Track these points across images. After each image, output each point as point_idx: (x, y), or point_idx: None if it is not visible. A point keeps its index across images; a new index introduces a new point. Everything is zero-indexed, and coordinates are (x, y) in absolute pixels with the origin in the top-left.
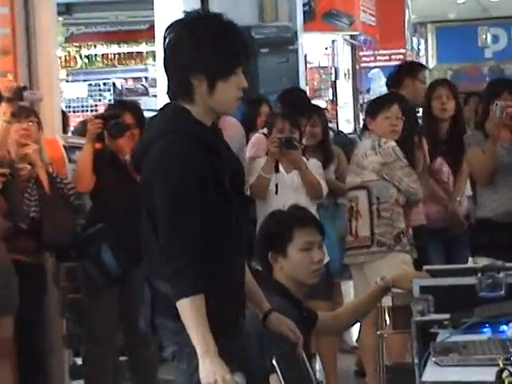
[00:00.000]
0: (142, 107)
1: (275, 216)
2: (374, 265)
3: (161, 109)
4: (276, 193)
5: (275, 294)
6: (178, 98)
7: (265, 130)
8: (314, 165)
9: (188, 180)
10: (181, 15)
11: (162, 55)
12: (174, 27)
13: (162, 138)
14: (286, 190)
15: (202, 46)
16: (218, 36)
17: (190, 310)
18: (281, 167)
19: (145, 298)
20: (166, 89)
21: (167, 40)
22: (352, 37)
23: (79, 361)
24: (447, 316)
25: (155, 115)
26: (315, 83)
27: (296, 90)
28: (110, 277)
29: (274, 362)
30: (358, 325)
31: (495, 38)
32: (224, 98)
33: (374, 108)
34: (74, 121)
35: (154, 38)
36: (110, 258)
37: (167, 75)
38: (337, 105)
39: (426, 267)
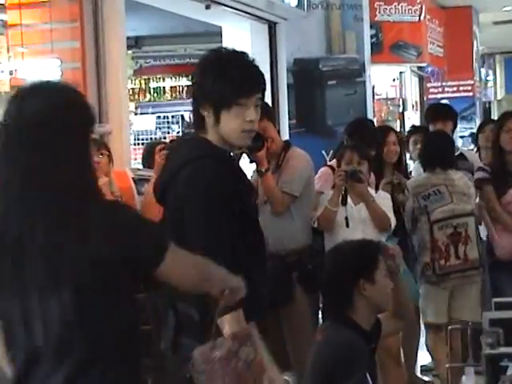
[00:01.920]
0: None
1: (359, 245)
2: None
3: (178, 141)
4: (347, 226)
5: (345, 328)
6: (196, 129)
7: (333, 163)
8: (382, 196)
9: (219, 203)
10: (249, 48)
11: None
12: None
13: (189, 165)
14: (354, 223)
15: (206, 79)
16: (220, 69)
17: (232, 324)
18: (349, 200)
19: (168, 321)
20: None
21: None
22: (420, 68)
23: None
24: None
25: (174, 146)
26: (383, 114)
27: (363, 120)
28: None
29: None
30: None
31: None
32: (229, 129)
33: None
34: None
35: None
36: None
37: None
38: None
39: (495, 300)
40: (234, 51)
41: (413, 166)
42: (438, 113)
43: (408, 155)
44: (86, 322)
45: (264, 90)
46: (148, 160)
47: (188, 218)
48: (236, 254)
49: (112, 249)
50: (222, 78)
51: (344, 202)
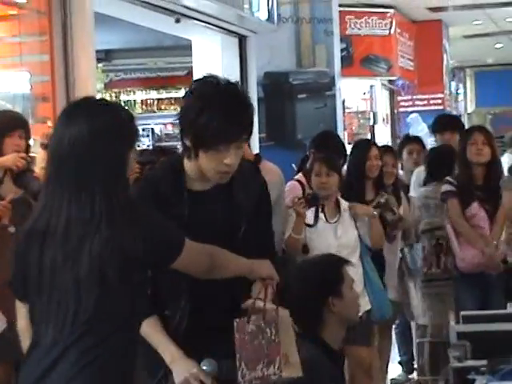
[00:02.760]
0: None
1: (322, 262)
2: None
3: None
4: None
5: (313, 347)
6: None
7: (300, 177)
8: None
9: None
10: (219, 61)
11: None
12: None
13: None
14: (327, 239)
15: (191, 110)
16: (206, 105)
17: (147, 331)
18: (323, 217)
19: None
20: None
21: None
22: (390, 81)
23: None
24: (484, 362)
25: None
26: (354, 128)
27: (330, 133)
28: None
29: None
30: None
31: None
32: (205, 167)
33: None
34: None
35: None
36: None
37: None
38: None
39: (462, 313)
40: (230, 85)
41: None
42: (447, 124)
43: (400, 165)
44: (104, 309)
45: (251, 129)
46: None
47: None
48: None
49: (137, 243)
50: (205, 117)
51: (315, 222)
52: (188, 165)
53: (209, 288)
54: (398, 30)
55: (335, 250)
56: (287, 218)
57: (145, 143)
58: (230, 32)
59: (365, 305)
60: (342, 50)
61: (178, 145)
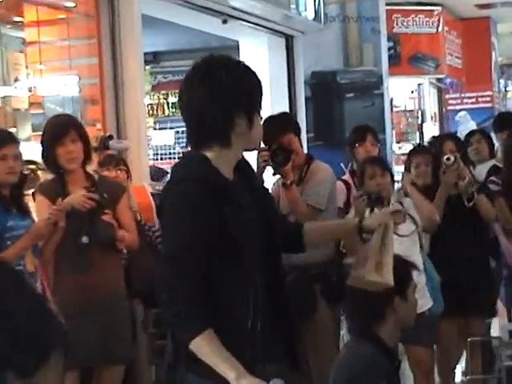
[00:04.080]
0: None
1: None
2: None
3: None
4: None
5: (370, 345)
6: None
7: (347, 177)
8: (410, 204)
9: (194, 230)
10: (266, 61)
11: None
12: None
13: (176, 186)
14: None
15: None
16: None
17: (204, 347)
18: None
19: (168, 345)
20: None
21: None
22: (438, 80)
23: None
24: None
25: (177, 163)
26: (402, 127)
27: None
28: None
29: None
30: None
31: None
32: (255, 138)
33: None
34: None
35: None
36: None
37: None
38: None
39: None
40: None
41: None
42: (506, 121)
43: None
44: None
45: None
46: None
47: (164, 241)
48: (211, 291)
49: None
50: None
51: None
52: (214, 156)
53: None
54: (446, 28)
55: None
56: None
57: None
58: (276, 32)
59: (427, 302)
60: (389, 49)
61: None
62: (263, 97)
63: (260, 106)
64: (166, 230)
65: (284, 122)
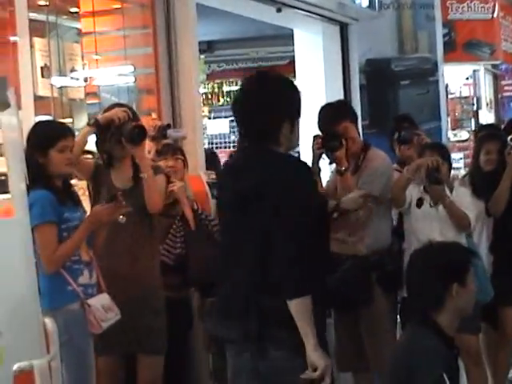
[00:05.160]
0: None
1: (452, 248)
2: None
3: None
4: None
5: (429, 333)
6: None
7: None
8: (461, 193)
9: (309, 204)
10: (321, 50)
11: None
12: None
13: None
14: (433, 222)
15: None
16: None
17: (302, 307)
18: (427, 200)
19: (241, 311)
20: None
21: None
22: (494, 66)
23: None
24: None
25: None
26: (457, 114)
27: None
28: None
29: None
30: None
31: None
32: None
33: None
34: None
35: (294, 72)
36: None
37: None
38: None
39: None
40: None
41: None
42: None
43: None
44: None
45: None
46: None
47: (283, 218)
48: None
49: None
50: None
51: (420, 204)
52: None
53: None
54: (501, 14)
55: (439, 232)
56: None
57: None
58: (330, 20)
59: None
60: (444, 36)
61: None
62: (301, 102)
63: (299, 114)
64: (290, 208)
65: (340, 110)
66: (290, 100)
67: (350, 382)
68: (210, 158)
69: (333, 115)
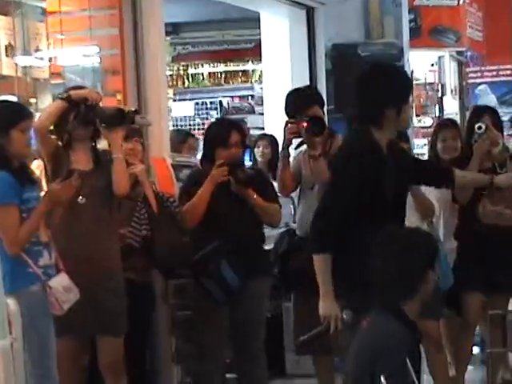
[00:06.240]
0: (249, 125)
1: (424, 235)
2: None
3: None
4: None
5: (394, 319)
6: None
7: None
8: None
9: (349, 176)
10: (287, 33)
11: None
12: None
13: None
14: None
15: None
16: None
17: (322, 263)
18: None
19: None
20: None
21: None
22: (459, 53)
23: (188, 378)
24: None
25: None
26: (422, 100)
27: None
28: (230, 292)
29: (384, 379)
30: None
31: None
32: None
33: None
34: None
35: (260, 56)
36: (231, 275)
37: None
38: None
39: None
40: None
41: None
42: None
43: None
44: None
45: None
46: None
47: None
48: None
49: None
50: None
51: None
52: (377, 133)
53: None
54: (467, 1)
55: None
56: None
57: (213, 116)
58: (297, 4)
59: None
60: (410, 21)
61: (246, 118)
62: (409, 90)
63: (408, 98)
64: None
65: (310, 95)
66: (393, 88)
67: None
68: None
69: (303, 100)
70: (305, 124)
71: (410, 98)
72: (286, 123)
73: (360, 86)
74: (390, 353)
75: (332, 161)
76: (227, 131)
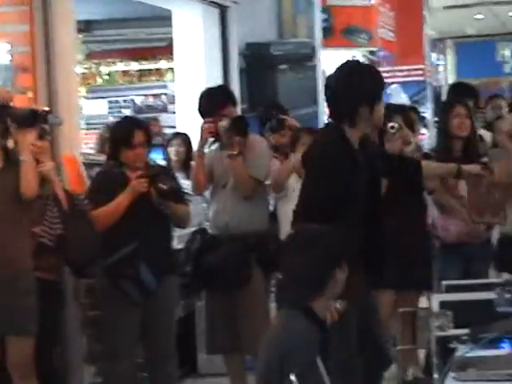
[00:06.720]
0: (162, 124)
1: (333, 233)
2: None
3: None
4: None
5: (303, 317)
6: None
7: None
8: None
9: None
10: (201, 32)
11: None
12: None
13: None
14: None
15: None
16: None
17: None
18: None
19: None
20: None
21: None
22: (371, 52)
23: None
24: (466, 331)
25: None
26: None
27: None
28: (147, 294)
29: (294, 377)
30: None
31: None
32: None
33: None
34: (94, 138)
35: (172, 54)
36: (149, 277)
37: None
38: None
39: (444, 282)
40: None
41: None
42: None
43: None
44: None
45: None
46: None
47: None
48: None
49: None
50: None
51: None
52: (351, 131)
53: None
54: (379, 1)
55: None
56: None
57: (126, 115)
58: (210, 2)
59: None
60: (323, 21)
61: (159, 116)
62: (382, 89)
63: (380, 97)
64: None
65: (224, 95)
66: (366, 87)
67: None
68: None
69: (218, 100)
70: (225, 123)
71: (382, 98)
72: (204, 122)
73: (334, 84)
74: (299, 352)
75: (304, 158)
76: (131, 131)
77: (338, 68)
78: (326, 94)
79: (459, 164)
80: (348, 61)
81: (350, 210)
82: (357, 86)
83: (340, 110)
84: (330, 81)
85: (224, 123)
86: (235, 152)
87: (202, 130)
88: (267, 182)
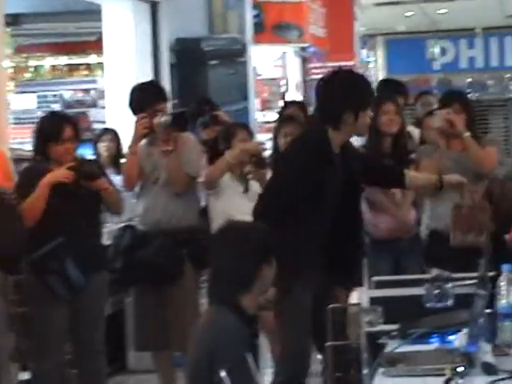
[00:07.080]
0: (91, 119)
1: (261, 228)
2: None
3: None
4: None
5: (231, 314)
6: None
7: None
8: None
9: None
10: (131, 27)
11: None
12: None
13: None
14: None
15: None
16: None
17: None
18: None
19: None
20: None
21: None
22: (302, 49)
23: (26, 375)
24: (395, 327)
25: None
26: (265, 95)
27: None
28: (74, 289)
29: (224, 374)
30: None
31: (443, 51)
32: (363, 126)
33: None
34: (23, 132)
35: (102, 49)
36: (75, 272)
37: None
38: None
39: (375, 278)
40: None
41: None
42: None
43: None
44: None
45: None
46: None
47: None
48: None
49: None
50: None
51: (246, 189)
52: (334, 134)
53: None
54: None
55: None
56: None
57: (55, 109)
58: None
59: None
60: (254, 17)
61: (88, 111)
62: (368, 99)
63: (368, 106)
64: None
65: (157, 90)
66: (352, 95)
67: None
68: None
69: (151, 95)
70: (164, 119)
71: (370, 108)
72: (139, 118)
73: (323, 88)
74: (227, 348)
75: (283, 153)
76: (60, 126)
77: (331, 72)
78: (315, 95)
79: (440, 176)
80: (341, 68)
81: (319, 209)
82: (342, 93)
83: (325, 113)
84: (321, 84)
85: (163, 119)
86: (170, 148)
87: (136, 126)
88: (200, 179)
